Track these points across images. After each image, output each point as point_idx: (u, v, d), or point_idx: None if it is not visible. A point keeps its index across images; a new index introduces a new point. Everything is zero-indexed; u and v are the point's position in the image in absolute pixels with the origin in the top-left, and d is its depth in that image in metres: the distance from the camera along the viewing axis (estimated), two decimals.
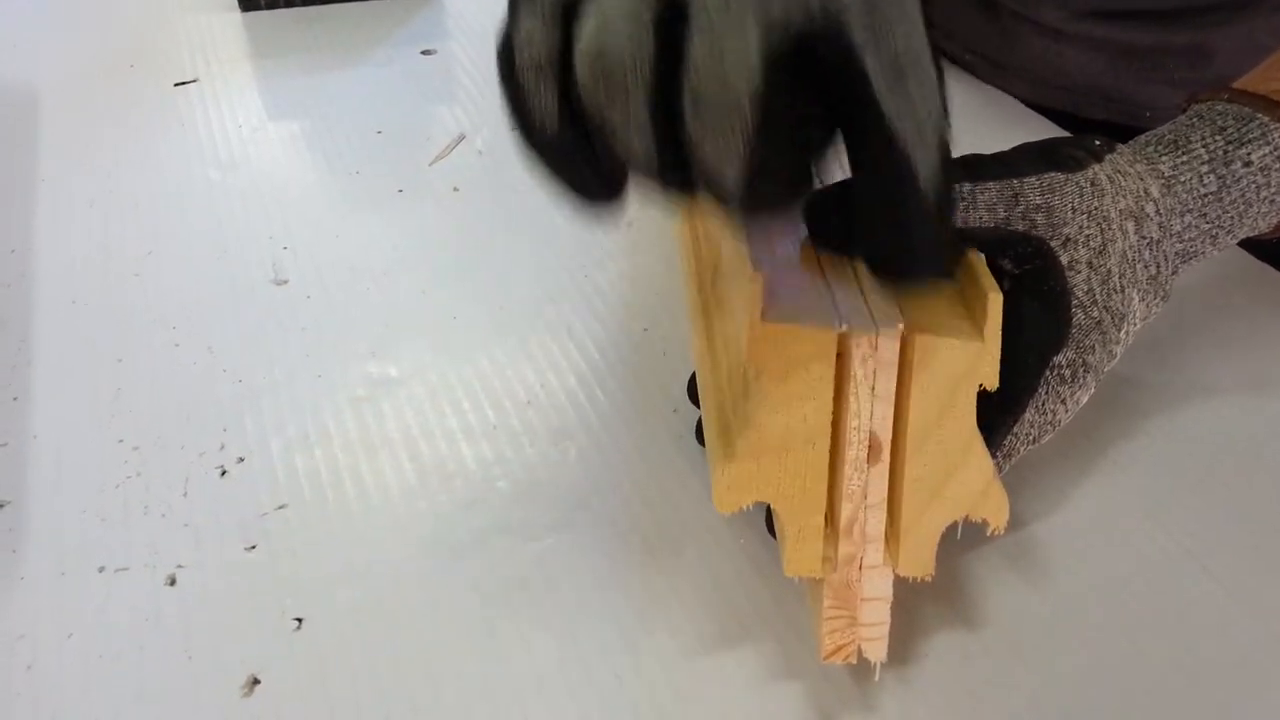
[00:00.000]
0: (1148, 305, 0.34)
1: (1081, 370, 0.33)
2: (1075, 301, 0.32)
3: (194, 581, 0.35)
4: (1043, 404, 0.33)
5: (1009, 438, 0.33)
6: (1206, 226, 0.35)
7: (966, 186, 0.31)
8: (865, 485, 0.30)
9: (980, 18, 0.60)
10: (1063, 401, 0.33)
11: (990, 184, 0.31)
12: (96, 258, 0.51)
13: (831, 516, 0.30)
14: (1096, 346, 0.33)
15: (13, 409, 0.43)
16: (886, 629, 0.31)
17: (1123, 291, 0.33)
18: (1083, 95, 0.58)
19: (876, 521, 0.30)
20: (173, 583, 0.35)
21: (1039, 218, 0.32)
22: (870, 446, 0.29)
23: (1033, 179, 0.32)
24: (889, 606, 0.30)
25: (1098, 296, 0.32)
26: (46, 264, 0.51)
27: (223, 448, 0.41)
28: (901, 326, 0.28)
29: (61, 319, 0.47)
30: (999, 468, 0.32)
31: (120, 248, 0.52)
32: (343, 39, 0.71)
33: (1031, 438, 0.33)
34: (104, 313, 0.48)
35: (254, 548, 0.36)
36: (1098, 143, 0.34)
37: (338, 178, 0.57)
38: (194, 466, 0.40)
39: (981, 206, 0.31)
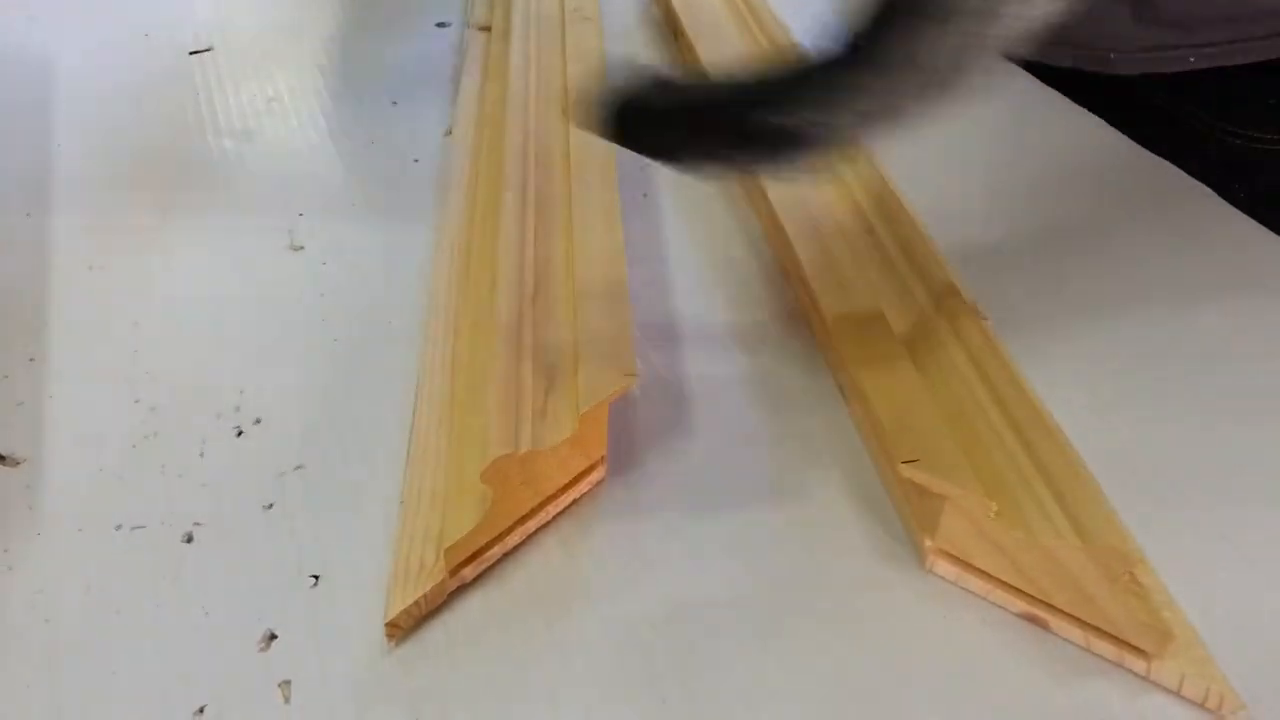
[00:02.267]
0: None
1: None
2: None
3: (211, 539, 0.35)
4: None
5: None
6: None
7: None
8: None
9: None
10: None
11: None
12: (112, 224, 0.51)
13: None
14: None
15: (29, 369, 0.43)
16: None
17: None
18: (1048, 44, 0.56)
19: None
20: (190, 540, 0.35)
21: None
22: None
23: None
24: None
25: None
26: (62, 229, 0.51)
27: (239, 409, 0.40)
28: None
29: (78, 283, 0.47)
30: None
31: (136, 215, 0.52)
32: (358, 9, 0.71)
33: None
34: (120, 278, 0.48)
35: (271, 506, 0.36)
36: None
37: (353, 147, 0.57)
38: (211, 427, 0.40)
39: None
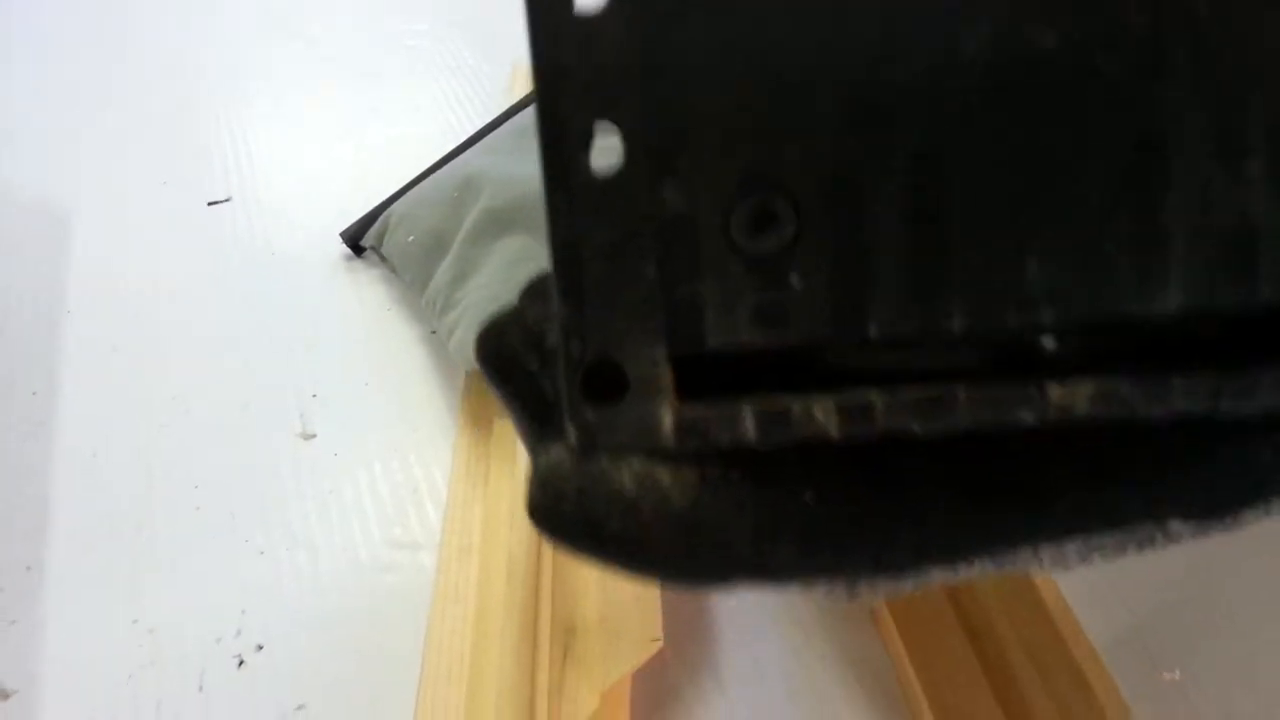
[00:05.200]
0: None
1: None
2: None
3: None
4: None
5: None
6: None
7: None
8: None
9: None
10: None
11: None
12: (121, 405, 0.50)
13: None
14: None
15: (25, 580, 0.41)
16: None
17: None
18: None
19: None
20: None
21: None
22: None
23: None
24: None
25: None
26: (69, 410, 0.50)
27: (239, 633, 0.39)
28: None
29: (81, 474, 0.46)
30: None
31: (145, 395, 0.50)
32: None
33: None
34: (126, 468, 0.46)
35: None
36: None
37: (369, 316, 0.56)
38: (211, 654, 0.38)
39: None
